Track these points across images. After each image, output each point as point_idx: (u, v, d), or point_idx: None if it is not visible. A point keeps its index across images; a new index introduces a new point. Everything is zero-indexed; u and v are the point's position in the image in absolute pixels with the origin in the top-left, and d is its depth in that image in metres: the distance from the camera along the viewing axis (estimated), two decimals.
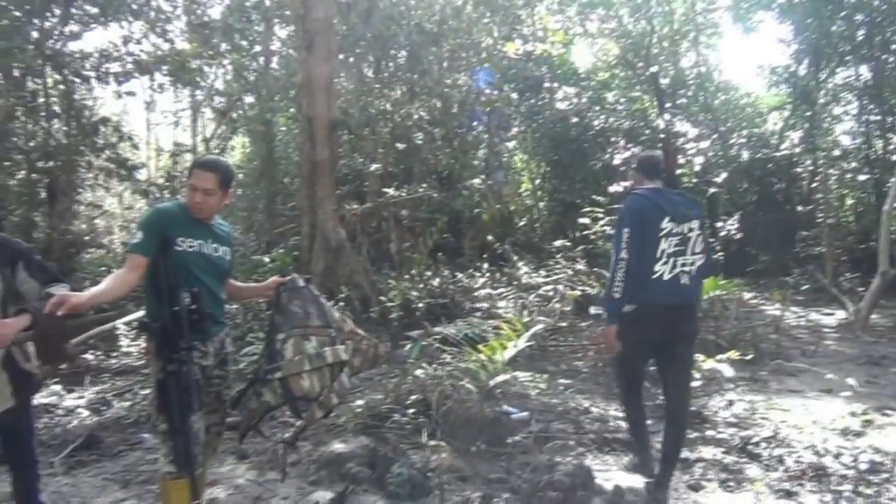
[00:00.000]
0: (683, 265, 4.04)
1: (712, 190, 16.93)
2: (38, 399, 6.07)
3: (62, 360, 3.27)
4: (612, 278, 4.02)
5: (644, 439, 4.46)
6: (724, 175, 16.24)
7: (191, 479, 3.02)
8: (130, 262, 3.14)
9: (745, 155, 17.84)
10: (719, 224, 15.91)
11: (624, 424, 5.36)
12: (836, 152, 17.71)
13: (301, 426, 3.32)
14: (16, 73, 10.98)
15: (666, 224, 4.00)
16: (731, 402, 5.77)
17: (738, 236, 15.10)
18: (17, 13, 10.37)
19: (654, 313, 4.00)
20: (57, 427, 5.49)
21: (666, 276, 3.98)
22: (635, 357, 4.31)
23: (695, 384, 5.77)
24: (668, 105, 18.14)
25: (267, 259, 10.83)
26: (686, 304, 4.12)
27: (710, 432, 5.19)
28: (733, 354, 5.98)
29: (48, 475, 4.61)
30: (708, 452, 4.80)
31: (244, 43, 15.62)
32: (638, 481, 4.34)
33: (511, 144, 19.30)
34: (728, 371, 5.74)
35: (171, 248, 3.16)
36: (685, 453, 4.77)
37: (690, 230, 4.06)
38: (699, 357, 5.98)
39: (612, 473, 4.50)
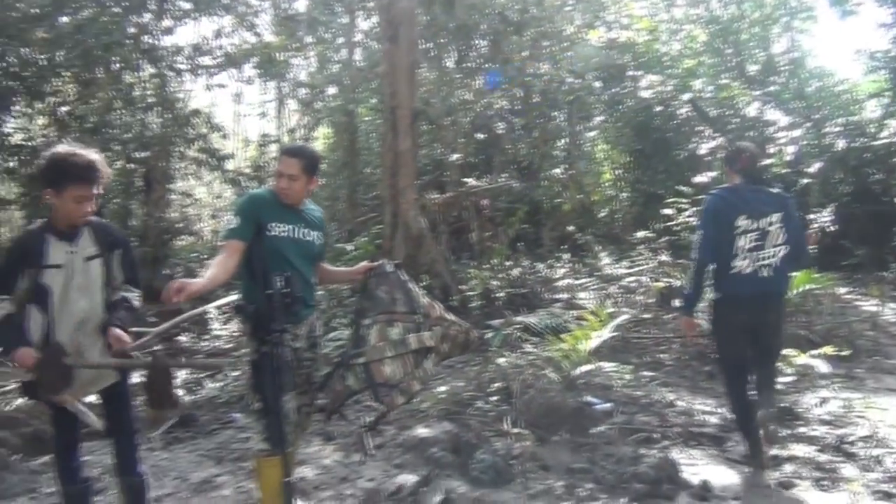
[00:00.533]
0: (763, 259, 4.22)
1: (804, 181, 16.24)
2: (136, 379, 6.39)
3: (171, 407, 3.47)
4: (688, 274, 4.46)
5: (750, 431, 4.39)
6: (817, 165, 15.53)
7: (283, 457, 3.11)
8: (229, 247, 3.25)
9: (841, 144, 17.01)
10: (811, 216, 15.28)
11: (711, 419, 5.26)
12: None
13: (382, 412, 3.37)
14: (114, 67, 11.51)
15: (741, 222, 4.21)
16: (824, 400, 5.55)
17: (832, 229, 14.45)
18: (116, 9, 10.84)
19: (736, 303, 4.28)
20: None
21: (746, 271, 4.21)
22: (730, 345, 4.46)
23: (787, 379, 5.60)
24: (758, 92, 17.50)
25: (349, 247, 11.03)
26: (768, 294, 4.28)
27: (802, 429, 5.01)
28: (828, 350, 5.74)
29: (147, 450, 4.84)
30: (800, 450, 4.63)
31: (328, 35, 15.90)
32: (726, 476, 4.24)
33: (592, 134, 19.02)
34: (822, 367, 5.53)
35: (265, 233, 3.27)
36: (776, 450, 4.64)
37: (770, 224, 4.23)
38: (792, 352, 5.78)
39: (698, 468, 4.40)
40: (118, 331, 3.13)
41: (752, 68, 20.33)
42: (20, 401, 5.48)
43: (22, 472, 4.43)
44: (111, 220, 11.53)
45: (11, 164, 10.74)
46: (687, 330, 4.77)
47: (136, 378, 6.55)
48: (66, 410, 3.19)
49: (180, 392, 6.43)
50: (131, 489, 3.40)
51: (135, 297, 3.34)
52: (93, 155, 3.13)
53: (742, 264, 4.21)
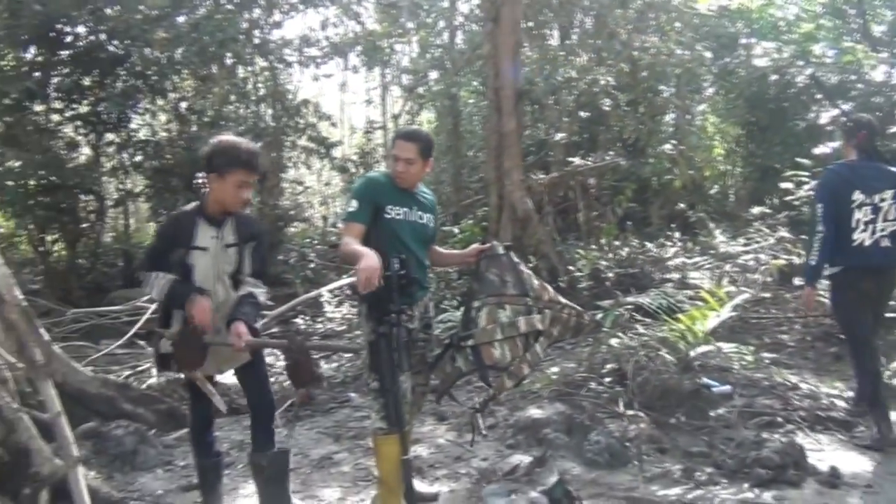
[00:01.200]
0: (882, 231, 4.41)
1: None
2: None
3: (314, 383, 3.56)
4: (811, 247, 4.53)
5: (882, 409, 4.36)
6: None
7: (400, 436, 3.18)
8: (350, 230, 3.32)
9: None
10: None
11: (838, 403, 5.01)
12: None
13: (491, 394, 3.37)
14: (228, 62, 12.01)
15: (857, 196, 4.43)
16: None
17: None
18: (229, 7, 11.29)
19: (861, 274, 4.44)
20: (275, 384, 5.98)
21: (867, 242, 4.39)
22: (858, 315, 4.55)
23: None
24: (885, 55, 16.32)
25: (456, 230, 11.10)
26: (889, 265, 4.50)
27: None
28: None
29: None
30: None
31: (429, 20, 15.99)
32: (856, 463, 4.04)
33: (703, 107, 18.32)
34: None
35: (382, 215, 3.35)
36: None
37: (882, 200, 4.43)
38: None
39: (825, 454, 4.21)
40: (241, 326, 3.19)
41: (878, 29, 18.99)
42: (154, 380, 5.84)
43: (158, 446, 4.73)
44: None
45: (138, 159, 11.40)
46: (809, 303, 4.85)
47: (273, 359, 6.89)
48: (201, 390, 3.38)
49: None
50: (273, 462, 3.53)
51: (261, 292, 3.45)
52: (255, 145, 3.33)
53: (863, 236, 4.39)
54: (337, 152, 14.43)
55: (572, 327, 3.47)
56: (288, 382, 5.90)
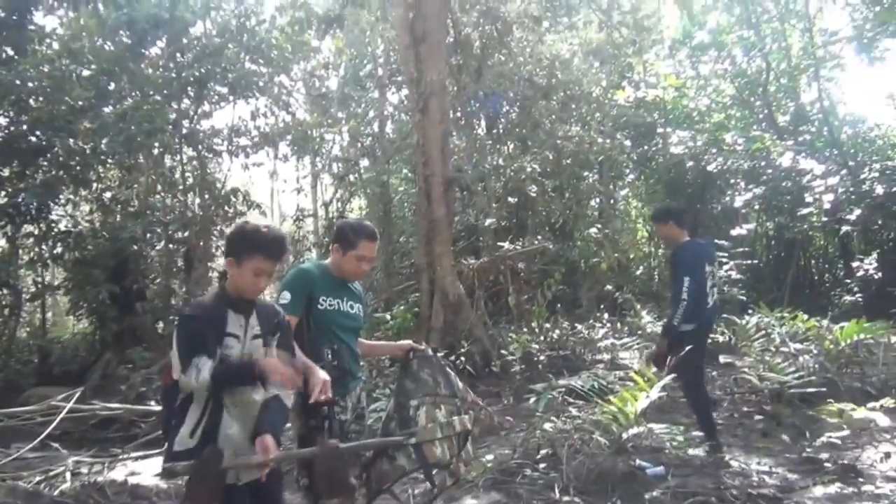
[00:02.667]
0: (714, 293, 5.72)
1: (845, 228, 15.96)
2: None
3: (348, 493, 3.26)
4: (675, 313, 5.43)
5: (714, 427, 5.79)
6: (856, 212, 15.27)
7: None
8: None
9: (879, 189, 16.71)
10: (855, 264, 14.97)
11: (768, 479, 5.07)
12: None
13: (434, 494, 3.37)
14: (156, 152, 11.93)
15: (707, 268, 5.58)
16: (887, 455, 5.32)
17: (878, 276, 14.12)
18: (158, 97, 11.30)
19: (706, 329, 5.81)
20: None
21: (710, 303, 5.59)
22: (701, 365, 5.78)
23: (845, 434, 5.40)
24: (790, 142, 17.39)
25: (388, 317, 11.04)
26: (715, 321, 6.30)
27: (866, 487, 4.79)
28: (888, 402, 5.53)
29: None
30: None
31: (359, 110, 16.33)
32: None
33: (625, 192, 19.04)
34: (882, 420, 5.31)
35: (315, 306, 3.32)
36: None
37: (711, 268, 5.69)
38: (848, 406, 5.58)
39: None
40: (269, 440, 2.75)
41: (783, 119, 20.29)
42: (67, 485, 5.49)
43: None
44: (153, 300, 11.77)
45: (58, 250, 11.06)
46: (664, 356, 5.56)
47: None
48: None
49: None
50: None
51: (288, 393, 3.04)
52: (280, 231, 3.07)
53: (710, 300, 5.58)
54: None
55: (486, 427, 3.57)
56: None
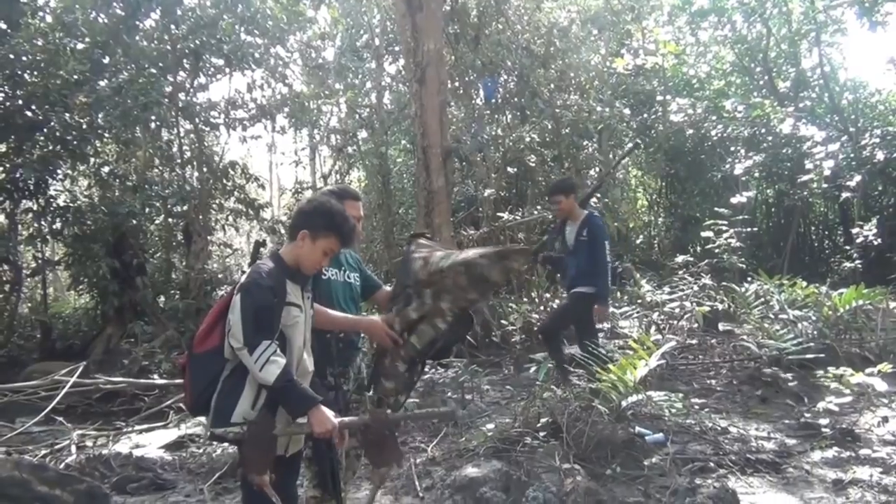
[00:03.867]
0: None
1: (845, 195, 15.94)
2: (186, 430, 6.45)
3: (398, 461, 3.27)
4: (604, 276, 6.05)
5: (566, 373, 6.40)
6: (857, 178, 15.22)
7: (337, 502, 3.09)
8: None
9: (880, 155, 16.65)
10: (854, 230, 14.95)
11: (767, 445, 5.13)
12: None
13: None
14: (152, 125, 11.85)
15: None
16: (885, 419, 5.37)
17: (878, 242, 14.10)
18: (153, 70, 11.19)
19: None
20: (203, 455, 5.77)
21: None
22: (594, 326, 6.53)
23: (844, 400, 5.44)
24: (791, 109, 17.28)
25: (388, 288, 11.04)
26: None
27: (864, 451, 4.85)
28: (885, 367, 5.56)
29: (198, 501, 4.86)
30: (863, 473, 4.48)
31: (357, 81, 16.20)
32: (787, 503, 4.12)
33: (625, 161, 18.97)
34: (880, 385, 5.35)
35: (319, 276, 3.32)
36: (837, 474, 4.50)
37: None
38: (847, 371, 5.61)
39: (757, 496, 4.29)
40: (321, 411, 2.76)
41: (783, 85, 20.16)
42: (73, 457, 5.55)
43: None
44: (153, 273, 11.78)
45: (57, 226, 11.03)
46: (606, 316, 6.73)
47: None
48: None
49: None
50: None
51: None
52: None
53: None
54: (266, 214, 14.30)
55: (466, 283, 3.30)
56: (216, 453, 5.77)
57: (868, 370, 5.59)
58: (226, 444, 6.09)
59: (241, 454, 2.81)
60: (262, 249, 12.63)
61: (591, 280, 6.10)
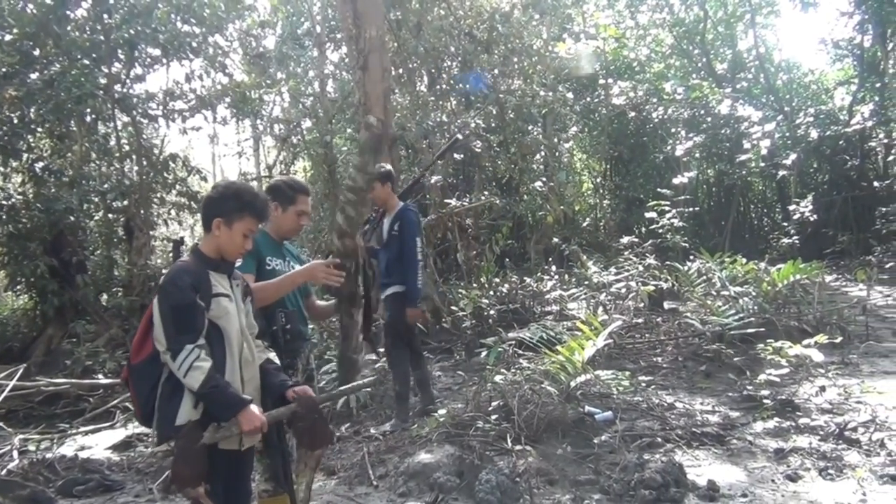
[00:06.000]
0: None
1: (781, 173, 16.41)
2: (134, 429, 6.33)
3: (329, 443, 3.21)
4: (414, 275, 5.59)
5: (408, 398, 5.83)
6: (792, 156, 15.70)
7: (290, 495, 3.07)
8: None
9: (814, 134, 17.21)
10: (791, 207, 15.42)
11: (711, 418, 5.27)
12: None
13: None
14: (88, 118, 11.51)
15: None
16: (822, 388, 5.56)
17: (813, 218, 14.59)
18: (86, 61, 10.86)
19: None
20: (152, 455, 5.67)
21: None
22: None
23: (783, 371, 5.62)
24: (728, 90, 17.69)
25: (319, 302, 10.95)
26: None
27: (803, 420, 5.02)
28: (821, 339, 5.76)
29: (147, 501, 4.78)
30: (803, 441, 4.64)
31: (299, 70, 15.98)
32: (732, 474, 4.24)
33: (569, 145, 19.18)
34: (817, 356, 5.54)
35: (263, 267, 3.30)
36: (779, 443, 4.65)
37: None
38: (785, 343, 5.80)
39: (703, 468, 4.40)
40: (250, 410, 2.68)
41: (721, 67, 20.61)
42: (15, 462, 5.40)
43: None
44: (95, 272, 11.48)
45: None
46: (419, 318, 5.98)
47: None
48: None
49: None
50: None
51: (274, 356, 3.06)
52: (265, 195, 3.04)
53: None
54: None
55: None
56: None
57: (805, 342, 5.78)
58: None
59: (172, 471, 2.73)
60: (182, 247, 12.42)
61: (399, 278, 5.65)
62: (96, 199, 11.49)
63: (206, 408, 2.70)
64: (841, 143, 17.51)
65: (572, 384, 5.29)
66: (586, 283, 10.17)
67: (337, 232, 3.49)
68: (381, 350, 6.41)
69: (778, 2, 20.48)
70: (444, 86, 14.37)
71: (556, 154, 16.33)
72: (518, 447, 4.67)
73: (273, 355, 3.03)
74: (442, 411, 5.37)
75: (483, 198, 12.47)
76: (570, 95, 16.81)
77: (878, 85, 17.15)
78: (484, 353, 7.09)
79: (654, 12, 20.48)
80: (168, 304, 2.66)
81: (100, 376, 8.16)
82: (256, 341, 2.99)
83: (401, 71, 13.69)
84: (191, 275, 2.74)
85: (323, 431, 3.00)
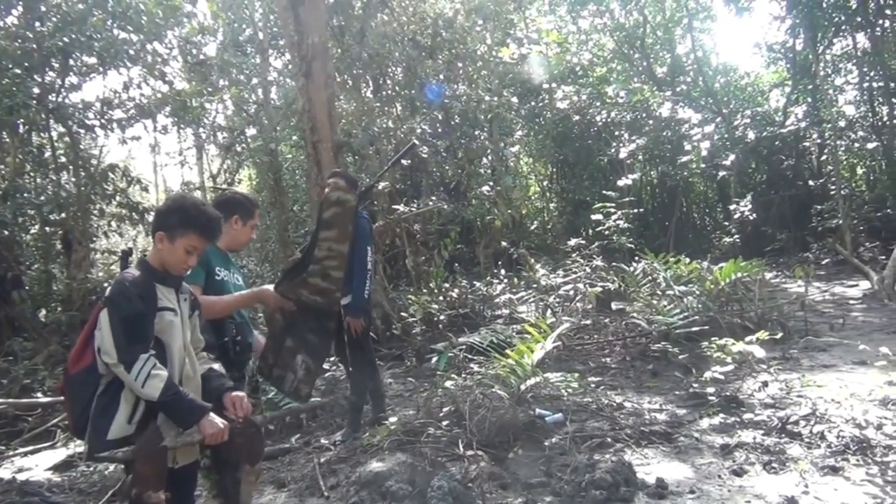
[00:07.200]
0: None
1: (721, 173, 16.83)
2: (75, 449, 6.13)
3: (262, 457, 3.14)
4: (361, 284, 5.35)
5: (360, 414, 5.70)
6: (731, 157, 16.11)
7: None
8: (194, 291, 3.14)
9: (751, 135, 17.71)
10: (732, 207, 15.83)
11: (659, 417, 5.34)
12: (842, 123, 17.52)
13: None
14: (21, 129, 11.14)
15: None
16: (765, 384, 5.70)
17: (753, 217, 14.99)
18: (17, 70, 10.52)
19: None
20: (94, 474, 5.51)
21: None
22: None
23: (727, 368, 5.73)
24: (668, 93, 18.07)
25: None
26: None
27: (747, 415, 5.13)
28: (762, 335, 5.90)
29: None
30: (747, 436, 4.74)
31: (242, 77, 15.77)
32: (679, 471, 4.31)
33: (515, 149, 19.34)
34: (759, 352, 5.67)
35: (213, 277, 3.24)
36: (724, 439, 4.74)
37: None
38: (728, 341, 5.92)
39: (652, 466, 4.45)
40: (208, 421, 2.66)
41: (661, 70, 21.04)
42: None
43: None
44: (31, 286, 11.11)
45: None
46: (359, 329, 5.49)
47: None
48: None
49: None
50: None
51: (219, 365, 3.00)
52: (217, 212, 2.94)
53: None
54: (151, 217, 13.72)
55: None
56: (109, 470, 5.51)
57: (748, 339, 5.91)
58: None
59: (133, 473, 2.64)
60: (130, 258, 12.11)
61: (347, 286, 5.23)
62: (32, 212, 11.13)
63: (152, 414, 2.64)
64: (777, 143, 18.05)
65: (522, 387, 5.31)
66: (535, 286, 10.25)
67: (312, 290, 3.41)
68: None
69: (714, 7, 21.04)
70: (388, 91, 14.34)
71: (503, 158, 16.45)
72: (470, 452, 4.66)
73: (217, 365, 2.98)
74: (393, 419, 5.34)
75: (431, 203, 12.47)
76: (514, 100, 16.97)
77: (810, 87, 17.75)
78: (434, 359, 7.09)
79: (595, 17, 20.81)
80: (118, 315, 2.60)
81: (39, 395, 7.89)
82: (202, 353, 2.94)
83: (345, 77, 13.63)
84: (137, 286, 2.69)
85: (260, 445, 3.00)
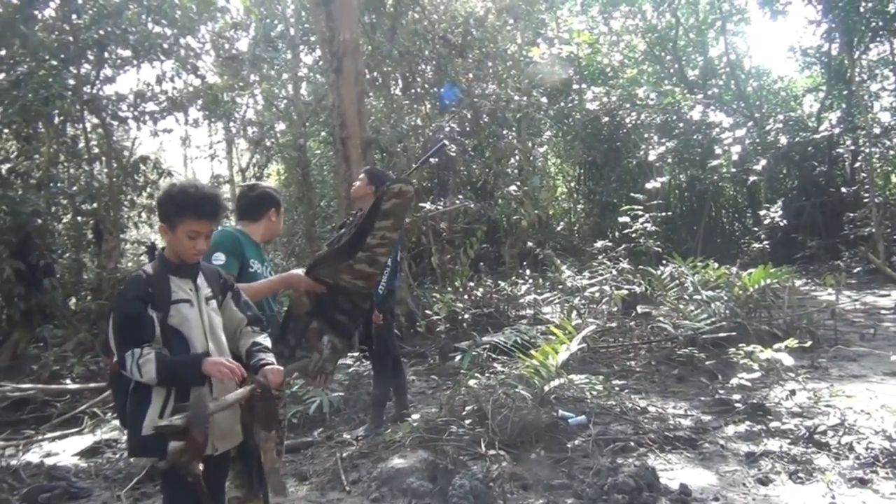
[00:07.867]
0: None
1: (752, 178, 16.62)
2: (102, 435, 6.21)
3: (278, 422, 3.15)
4: (384, 276, 5.26)
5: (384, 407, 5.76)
6: (762, 162, 15.90)
7: (262, 502, 3.02)
8: None
9: (783, 140, 17.46)
10: (762, 212, 15.62)
11: (684, 422, 5.29)
12: (877, 130, 17.20)
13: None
14: (56, 120, 11.32)
15: None
16: (792, 392, 5.62)
17: (783, 223, 14.79)
18: (54, 62, 10.68)
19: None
20: (120, 461, 5.57)
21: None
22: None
23: (754, 375, 5.66)
24: (700, 96, 17.89)
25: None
26: None
27: (774, 424, 5.06)
28: (791, 343, 5.82)
29: None
30: (774, 445, 4.68)
31: (273, 72, 15.89)
32: (703, 478, 4.26)
33: (543, 149, 19.27)
34: (787, 360, 5.60)
35: (246, 270, 3.26)
36: (750, 447, 4.68)
37: None
38: (756, 348, 5.85)
39: (676, 472, 4.41)
40: (278, 367, 2.78)
41: (692, 73, 20.84)
42: None
43: None
44: (63, 275, 11.29)
45: None
46: (378, 323, 5.50)
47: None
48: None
49: None
50: None
51: (265, 337, 3.00)
52: (212, 189, 2.93)
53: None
54: None
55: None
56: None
57: (776, 346, 5.84)
58: None
59: (188, 439, 2.55)
60: (156, 252, 12.24)
61: None
62: (65, 202, 11.30)
63: (177, 410, 2.61)
64: (809, 149, 17.79)
65: (546, 388, 5.28)
66: (560, 287, 10.20)
67: (356, 275, 3.47)
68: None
69: (748, 10, 20.77)
70: (418, 89, 14.36)
71: (531, 158, 16.40)
72: (492, 452, 4.65)
73: (262, 337, 2.96)
74: (416, 416, 5.34)
75: (458, 202, 12.47)
76: (544, 100, 16.89)
77: (844, 92, 17.45)
78: (458, 358, 7.08)
79: (627, 18, 20.66)
80: (116, 315, 2.68)
81: (67, 381, 8.01)
82: (245, 329, 2.95)
83: (375, 74, 13.66)
84: (143, 285, 2.72)
85: (274, 411, 2.92)
